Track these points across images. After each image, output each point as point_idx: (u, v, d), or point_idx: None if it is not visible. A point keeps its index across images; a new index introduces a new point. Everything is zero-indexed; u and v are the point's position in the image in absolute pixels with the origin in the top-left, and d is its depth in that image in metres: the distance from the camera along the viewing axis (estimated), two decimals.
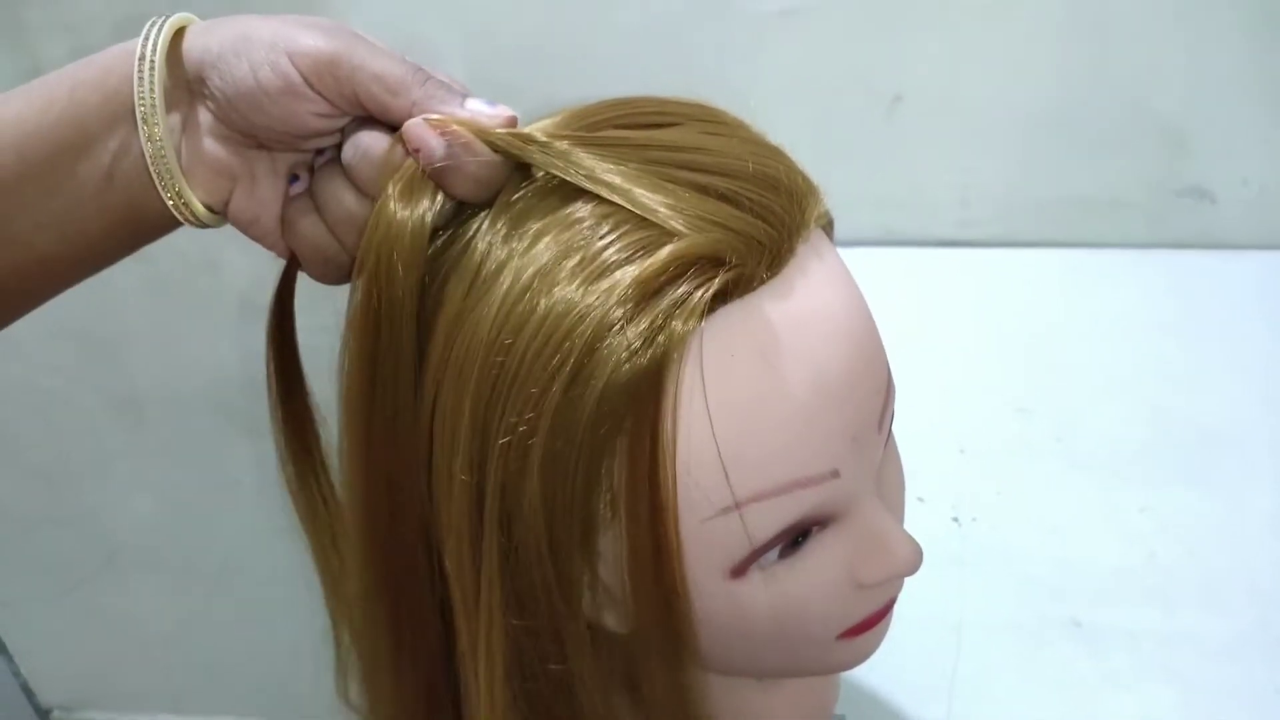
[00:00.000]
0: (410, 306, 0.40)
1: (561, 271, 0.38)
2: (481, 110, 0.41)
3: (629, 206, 0.39)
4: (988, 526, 0.73)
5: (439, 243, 0.41)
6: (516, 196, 0.41)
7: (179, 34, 0.42)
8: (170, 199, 0.43)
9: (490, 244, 0.40)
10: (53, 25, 0.94)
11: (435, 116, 0.40)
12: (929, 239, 0.93)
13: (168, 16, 0.42)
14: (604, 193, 0.39)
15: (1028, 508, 0.74)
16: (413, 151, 0.40)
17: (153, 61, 0.41)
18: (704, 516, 0.39)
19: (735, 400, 0.38)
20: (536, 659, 0.42)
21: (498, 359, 0.38)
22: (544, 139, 0.40)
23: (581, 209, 0.39)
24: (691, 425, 0.38)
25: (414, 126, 0.40)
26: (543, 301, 0.38)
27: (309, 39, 0.40)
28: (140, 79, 0.41)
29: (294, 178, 0.44)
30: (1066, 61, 0.86)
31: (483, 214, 0.41)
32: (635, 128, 0.42)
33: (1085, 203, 0.91)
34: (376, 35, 0.43)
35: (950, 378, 0.81)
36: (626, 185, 0.39)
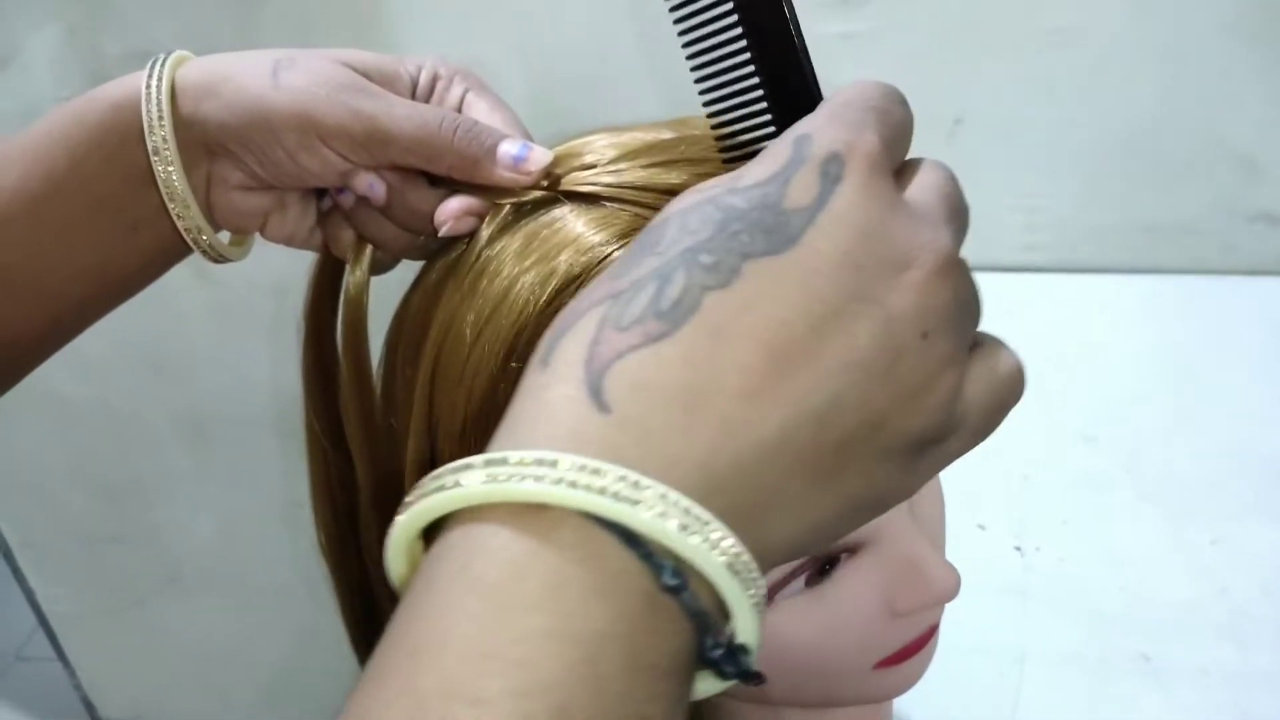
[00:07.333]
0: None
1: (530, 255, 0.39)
2: (509, 171, 0.41)
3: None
4: (1053, 557, 0.72)
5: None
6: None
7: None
8: (203, 250, 0.44)
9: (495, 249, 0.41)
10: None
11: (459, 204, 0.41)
12: (992, 264, 0.92)
13: (161, 69, 0.41)
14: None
15: (1094, 538, 0.72)
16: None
17: (162, 121, 0.41)
18: None
19: None
20: None
21: (445, 343, 0.39)
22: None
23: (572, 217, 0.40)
24: None
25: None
26: (497, 282, 0.39)
27: (332, 119, 0.40)
28: (153, 138, 0.41)
29: (321, 193, 0.45)
30: (1135, 86, 0.85)
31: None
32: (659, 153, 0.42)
33: (1153, 228, 0.89)
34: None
35: None
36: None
